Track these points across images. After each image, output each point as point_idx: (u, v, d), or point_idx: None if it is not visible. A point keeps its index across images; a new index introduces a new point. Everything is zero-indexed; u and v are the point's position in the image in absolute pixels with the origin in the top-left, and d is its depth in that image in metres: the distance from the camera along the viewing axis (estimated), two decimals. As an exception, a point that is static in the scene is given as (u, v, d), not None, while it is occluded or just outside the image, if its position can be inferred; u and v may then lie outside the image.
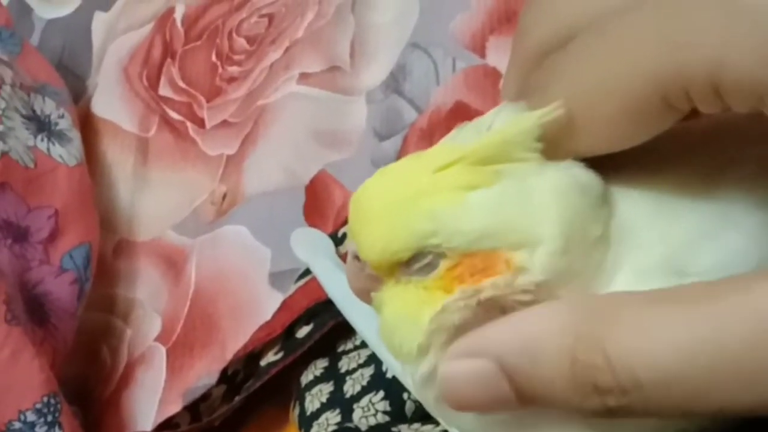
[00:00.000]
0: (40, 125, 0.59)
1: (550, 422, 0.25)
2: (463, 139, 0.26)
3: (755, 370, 0.21)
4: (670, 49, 0.23)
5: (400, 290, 0.26)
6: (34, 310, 0.52)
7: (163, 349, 0.57)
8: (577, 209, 0.25)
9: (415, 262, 0.25)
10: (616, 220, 0.25)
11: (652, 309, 0.22)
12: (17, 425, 0.47)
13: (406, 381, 0.38)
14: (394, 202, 0.25)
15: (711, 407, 0.22)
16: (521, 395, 0.24)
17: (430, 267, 0.25)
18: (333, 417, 0.42)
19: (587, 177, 0.25)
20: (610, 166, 0.26)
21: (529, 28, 0.28)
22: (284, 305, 0.49)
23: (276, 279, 0.55)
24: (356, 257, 0.26)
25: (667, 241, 0.25)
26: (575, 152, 0.25)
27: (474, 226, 0.24)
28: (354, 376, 0.43)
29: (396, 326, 0.26)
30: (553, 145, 0.25)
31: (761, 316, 0.21)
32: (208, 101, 0.64)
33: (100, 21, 0.73)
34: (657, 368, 0.22)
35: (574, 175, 0.25)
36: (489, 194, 0.24)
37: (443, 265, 0.25)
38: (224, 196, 0.60)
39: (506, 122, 0.25)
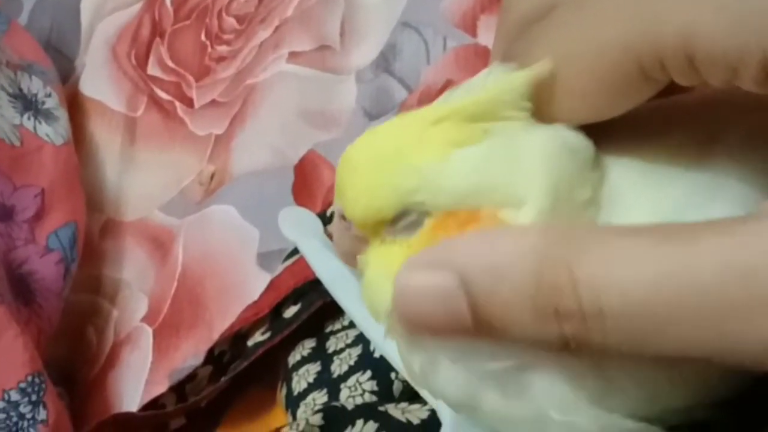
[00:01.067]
0: (27, 104, 0.59)
1: (538, 379, 0.25)
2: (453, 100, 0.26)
3: (718, 309, 0.21)
4: (644, 19, 0.23)
5: (385, 250, 0.25)
6: (20, 289, 0.52)
7: (149, 330, 0.56)
8: (565, 170, 0.24)
9: (399, 220, 0.25)
10: (607, 185, 0.25)
11: (626, 240, 0.22)
12: (1, 404, 0.47)
13: (394, 359, 0.38)
14: (380, 158, 0.25)
15: (669, 344, 0.22)
16: (477, 318, 0.23)
17: (415, 225, 0.25)
18: (320, 397, 0.41)
19: (576, 139, 0.25)
20: (603, 134, 0.26)
21: (514, 0, 0.28)
22: (272, 285, 0.48)
23: (264, 259, 0.54)
24: (342, 216, 0.26)
25: (656, 207, 0.25)
26: (557, 121, 0.25)
27: (459, 183, 0.24)
28: (341, 356, 0.43)
29: (377, 286, 0.25)
30: (536, 113, 0.25)
31: (733, 259, 0.21)
32: (196, 81, 0.63)
33: (88, 0, 0.72)
34: (622, 296, 0.22)
35: (562, 137, 0.25)
36: (476, 151, 0.24)
37: (428, 223, 0.24)
38: (212, 176, 0.59)
39: (496, 81, 0.25)
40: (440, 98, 0.26)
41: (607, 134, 0.26)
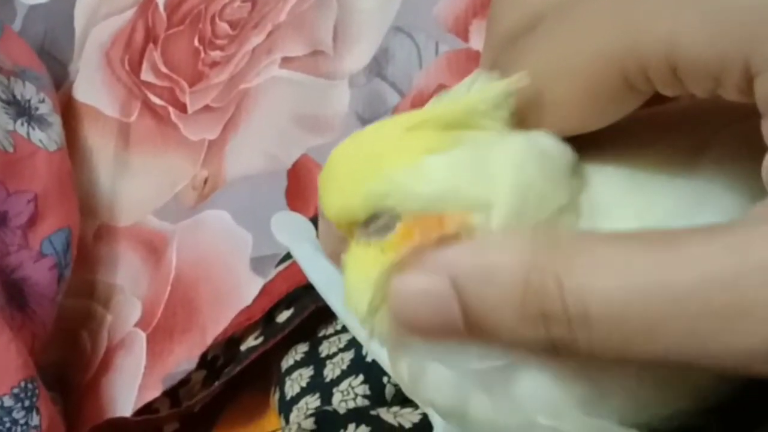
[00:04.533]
0: (20, 110, 0.59)
1: (525, 381, 0.25)
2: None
3: (699, 317, 0.21)
4: (627, 30, 0.23)
5: (360, 252, 0.26)
6: (13, 294, 0.52)
7: (143, 335, 0.56)
8: (535, 175, 0.25)
9: (372, 223, 0.25)
10: (589, 193, 0.25)
11: (610, 247, 0.23)
12: (-6, 410, 0.47)
13: (385, 363, 0.38)
14: (356, 162, 0.25)
15: (653, 350, 0.22)
16: (468, 321, 0.24)
17: (387, 228, 0.25)
18: (313, 401, 0.42)
19: (552, 145, 0.25)
20: (591, 144, 0.26)
21: (500, 14, 0.29)
22: (264, 290, 0.49)
23: (257, 264, 0.54)
24: (324, 216, 0.26)
25: (642, 216, 0.25)
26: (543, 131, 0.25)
27: (428, 188, 0.24)
28: (334, 360, 0.43)
29: (353, 286, 0.26)
30: (524, 124, 0.25)
31: (714, 267, 0.21)
32: (190, 86, 0.64)
33: (82, 6, 0.73)
34: (606, 302, 0.22)
35: (536, 144, 0.25)
36: (446, 158, 0.25)
37: (399, 227, 0.25)
38: (206, 181, 0.59)
39: (475, 91, 0.25)
40: (429, 103, 0.27)
41: (594, 144, 0.26)
